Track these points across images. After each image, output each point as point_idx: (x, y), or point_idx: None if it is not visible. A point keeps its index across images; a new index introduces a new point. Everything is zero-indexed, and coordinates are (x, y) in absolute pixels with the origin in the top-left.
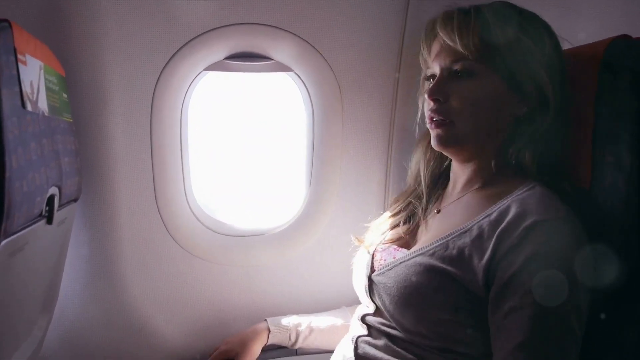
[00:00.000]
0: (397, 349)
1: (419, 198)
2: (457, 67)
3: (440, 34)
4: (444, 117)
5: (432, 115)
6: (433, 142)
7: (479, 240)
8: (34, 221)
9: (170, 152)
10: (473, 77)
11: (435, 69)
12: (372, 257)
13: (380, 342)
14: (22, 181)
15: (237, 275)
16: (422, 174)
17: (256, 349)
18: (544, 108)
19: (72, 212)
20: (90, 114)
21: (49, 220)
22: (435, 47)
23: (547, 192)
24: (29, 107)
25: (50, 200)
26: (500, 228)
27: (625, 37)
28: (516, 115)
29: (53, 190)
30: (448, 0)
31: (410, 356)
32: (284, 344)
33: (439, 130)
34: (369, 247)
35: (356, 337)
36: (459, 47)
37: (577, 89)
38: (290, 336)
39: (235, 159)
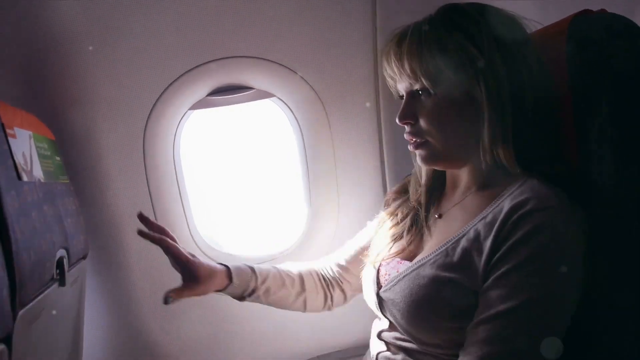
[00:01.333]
0: None
1: (419, 203)
2: (416, 87)
3: (386, 64)
4: (419, 138)
5: (409, 137)
6: (419, 161)
7: (477, 242)
8: (47, 286)
9: (169, 194)
10: (431, 95)
11: (401, 90)
12: (378, 272)
13: (399, 357)
14: (29, 251)
15: (255, 304)
16: (421, 177)
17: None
18: (495, 104)
19: (83, 269)
20: (85, 170)
21: (62, 282)
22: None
23: (539, 184)
24: (25, 178)
25: (60, 263)
26: (496, 227)
27: (586, 12)
28: (478, 118)
29: (61, 252)
30: (412, 9)
31: None
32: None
33: (419, 151)
34: (375, 262)
35: (376, 354)
36: (404, 75)
37: (549, 68)
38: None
39: (235, 189)
